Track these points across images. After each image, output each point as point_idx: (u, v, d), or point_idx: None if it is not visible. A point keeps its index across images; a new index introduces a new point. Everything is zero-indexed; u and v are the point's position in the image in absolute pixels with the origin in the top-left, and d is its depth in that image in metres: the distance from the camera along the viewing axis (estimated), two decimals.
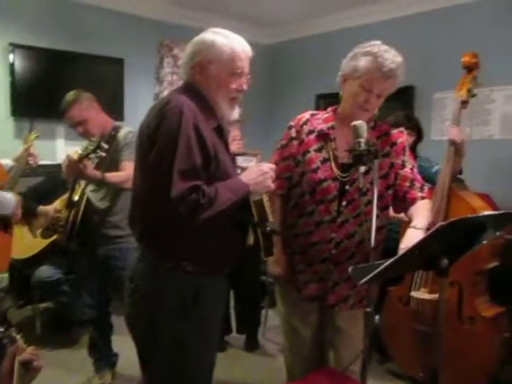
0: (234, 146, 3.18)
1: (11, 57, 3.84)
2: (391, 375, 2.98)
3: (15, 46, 3.85)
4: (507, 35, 3.70)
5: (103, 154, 2.32)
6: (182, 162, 1.40)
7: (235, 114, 1.65)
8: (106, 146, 2.32)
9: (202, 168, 1.45)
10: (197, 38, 1.60)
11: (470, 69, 2.67)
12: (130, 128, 2.63)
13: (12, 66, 3.85)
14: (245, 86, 1.63)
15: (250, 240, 1.67)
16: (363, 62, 1.77)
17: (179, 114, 1.43)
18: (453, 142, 2.61)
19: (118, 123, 2.69)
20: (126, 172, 2.40)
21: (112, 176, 2.46)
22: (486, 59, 2.74)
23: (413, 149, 2.92)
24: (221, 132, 1.60)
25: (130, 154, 1.65)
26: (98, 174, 2.40)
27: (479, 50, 2.74)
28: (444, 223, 1.20)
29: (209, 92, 1.58)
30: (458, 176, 2.79)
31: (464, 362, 2.44)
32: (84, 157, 2.33)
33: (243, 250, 1.67)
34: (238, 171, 1.74)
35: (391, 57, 1.75)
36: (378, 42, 1.81)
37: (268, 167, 1.61)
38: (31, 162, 2.54)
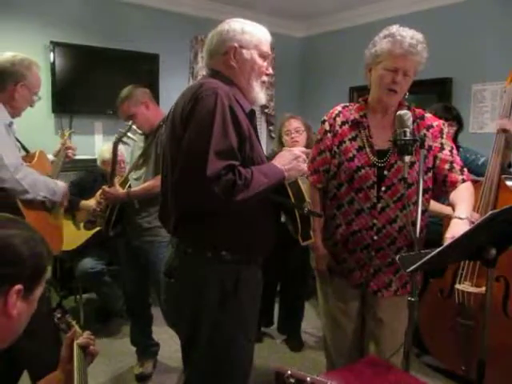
0: None
1: (52, 55, 3.94)
2: (429, 368, 2.95)
3: (55, 44, 3.94)
4: None
5: (134, 137, 2.53)
6: (219, 141, 1.38)
7: (264, 97, 1.67)
8: (135, 127, 2.51)
9: (237, 149, 1.44)
10: (223, 27, 1.61)
11: None
12: None
13: (53, 64, 3.95)
14: (271, 70, 1.66)
15: (282, 218, 1.67)
16: (383, 45, 1.77)
17: (214, 95, 1.42)
18: (504, 131, 2.51)
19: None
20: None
21: (140, 189, 2.55)
22: None
23: (454, 139, 2.86)
24: (253, 116, 1.60)
25: None
26: (124, 194, 2.57)
27: None
28: (495, 211, 1.19)
29: (242, 76, 1.59)
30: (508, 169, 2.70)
31: (509, 357, 2.40)
32: (117, 141, 2.52)
33: (275, 238, 1.65)
34: None
35: (410, 33, 1.75)
36: (396, 26, 1.80)
37: (300, 150, 1.60)
38: (70, 155, 2.62)
